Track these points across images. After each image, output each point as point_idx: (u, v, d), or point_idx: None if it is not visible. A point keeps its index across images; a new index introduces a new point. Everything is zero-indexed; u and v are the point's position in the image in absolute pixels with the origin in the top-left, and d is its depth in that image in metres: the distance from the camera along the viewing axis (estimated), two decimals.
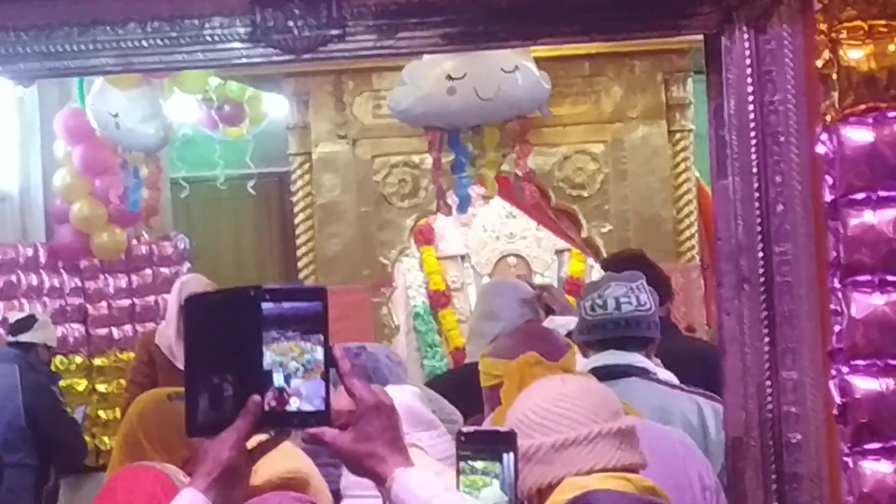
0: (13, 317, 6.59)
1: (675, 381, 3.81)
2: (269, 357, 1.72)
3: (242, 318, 1.72)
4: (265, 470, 2.08)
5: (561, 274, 7.78)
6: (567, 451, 2.33)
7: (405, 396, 2.72)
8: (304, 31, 2.67)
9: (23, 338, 6.32)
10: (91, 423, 7.85)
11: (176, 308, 5.98)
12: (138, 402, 2.98)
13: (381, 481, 1.77)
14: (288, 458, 2.13)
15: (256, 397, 1.72)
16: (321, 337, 1.73)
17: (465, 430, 2.14)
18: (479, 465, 2.07)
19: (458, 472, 2.07)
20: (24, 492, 6.10)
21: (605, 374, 3.46)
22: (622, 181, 6.75)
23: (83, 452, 6.53)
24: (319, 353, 1.73)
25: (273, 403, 1.72)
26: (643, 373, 3.62)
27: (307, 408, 1.73)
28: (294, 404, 1.72)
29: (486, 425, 3.02)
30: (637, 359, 3.66)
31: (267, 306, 1.72)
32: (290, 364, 1.72)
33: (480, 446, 2.08)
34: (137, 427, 2.82)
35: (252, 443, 1.75)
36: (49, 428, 6.13)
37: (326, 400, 1.73)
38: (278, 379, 1.72)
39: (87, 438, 7.34)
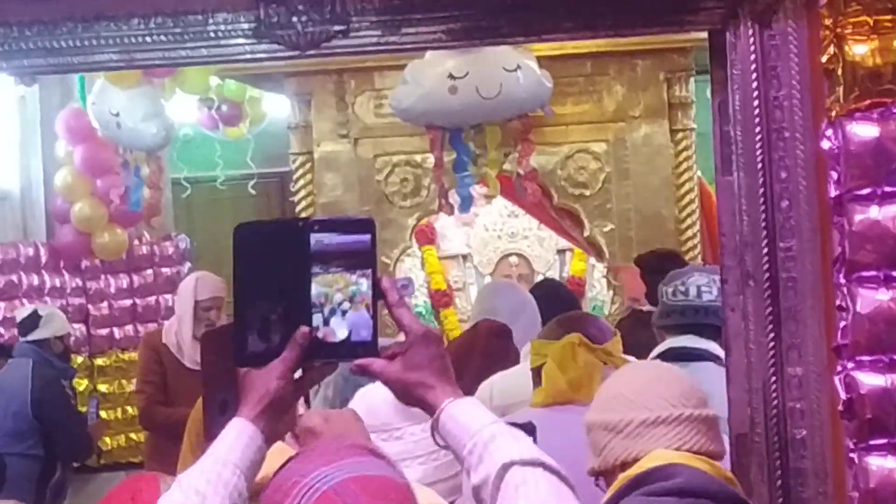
0: (19, 315, 6.60)
1: None
2: (315, 288, 1.71)
3: (290, 249, 1.72)
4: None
5: (563, 273, 7.77)
6: (656, 429, 2.41)
7: (379, 396, 2.72)
8: (308, 26, 2.67)
9: (31, 336, 6.35)
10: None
11: (191, 304, 5.95)
12: None
13: (430, 410, 1.76)
14: (273, 454, 2.10)
15: (304, 328, 1.71)
16: (368, 269, 1.72)
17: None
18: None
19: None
20: (28, 482, 6.13)
21: (682, 355, 3.59)
22: (624, 180, 6.75)
23: (87, 447, 6.53)
24: (365, 284, 1.72)
25: (320, 334, 1.72)
26: (718, 359, 3.64)
27: (355, 339, 1.72)
28: (341, 335, 1.72)
29: (527, 408, 3.13)
30: (714, 346, 3.73)
31: (315, 237, 1.71)
32: (337, 295, 1.71)
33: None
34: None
35: (298, 373, 1.75)
36: (54, 421, 6.16)
37: (374, 331, 1.72)
38: (326, 310, 1.71)
39: None
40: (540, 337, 3.42)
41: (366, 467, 1.69)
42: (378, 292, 1.74)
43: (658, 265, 5.12)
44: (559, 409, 3.12)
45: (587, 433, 2.50)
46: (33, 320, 6.39)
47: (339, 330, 1.72)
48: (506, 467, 1.68)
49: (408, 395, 1.77)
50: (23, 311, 6.62)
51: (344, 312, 1.72)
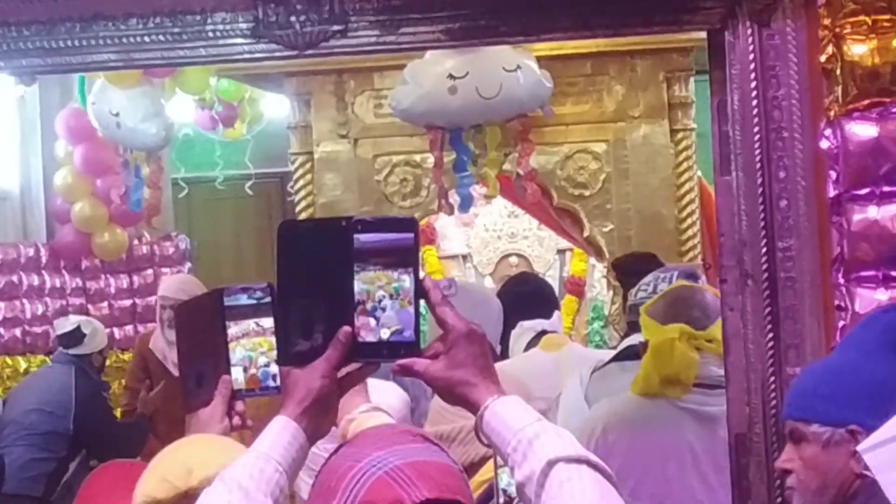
0: (60, 326, 6.58)
1: None
2: (358, 286, 1.71)
3: (334, 247, 1.72)
4: (201, 470, 2.05)
5: (563, 273, 7.76)
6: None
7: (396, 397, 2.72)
8: (307, 26, 2.67)
9: (74, 351, 6.36)
10: None
11: (168, 310, 5.99)
12: None
13: (473, 409, 1.75)
14: (224, 452, 2.10)
15: (347, 328, 1.71)
16: (411, 267, 1.72)
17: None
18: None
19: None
20: (41, 476, 6.17)
21: (636, 353, 3.55)
22: (624, 180, 6.74)
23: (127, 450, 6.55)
24: (408, 282, 1.71)
25: (363, 334, 1.72)
26: None
27: (397, 338, 1.71)
28: (384, 335, 1.72)
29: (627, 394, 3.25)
30: None
31: (358, 237, 1.71)
32: (378, 293, 1.71)
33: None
34: None
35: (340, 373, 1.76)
36: (98, 433, 6.17)
37: (416, 330, 1.72)
38: (369, 308, 1.71)
39: None
40: (648, 312, 3.41)
41: (420, 453, 1.69)
42: (420, 291, 1.73)
43: (634, 268, 5.11)
44: (649, 401, 3.23)
45: None
46: (77, 336, 6.39)
47: (381, 329, 1.72)
48: (551, 464, 1.67)
49: (451, 393, 1.76)
50: (65, 323, 6.58)
51: (385, 310, 1.72)
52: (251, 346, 1.82)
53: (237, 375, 2.09)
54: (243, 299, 2.10)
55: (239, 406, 2.17)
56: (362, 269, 1.71)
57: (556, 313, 4.93)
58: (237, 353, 2.06)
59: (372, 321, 1.71)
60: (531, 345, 4.57)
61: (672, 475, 3.17)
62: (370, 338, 1.72)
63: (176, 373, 5.96)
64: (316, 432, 1.76)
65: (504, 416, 1.73)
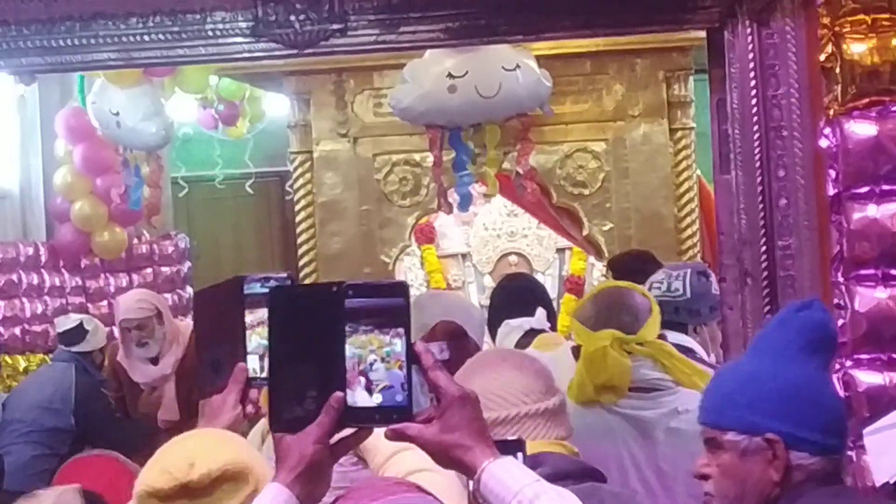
0: (61, 324, 6.58)
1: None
2: (350, 350, 1.71)
3: (325, 313, 1.72)
4: (202, 463, 2.07)
5: (562, 272, 7.76)
6: (496, 428, 2.46)
7: None
8: (306, 25, 2.67)
9: (77, 349, 6.37)
10: None
11: (118, 324, 6.11)
12: None
13: (470, 472, 1.76)
14: (222, 446, 2.12)
15: (339, 393, 1.71)
16: (402, 330, 1.72)
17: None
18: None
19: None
20: (45, 473, 6.18)
21: None
22: (623, 179, 6.74)
23: (133, 447, 6.56)
24: (399, 346, 1.71)
25: (355, 399, 1.72)
26: (688, 352, 3.64)
27: (389, 403, 1.71)
28: (376, 400, 1.71)
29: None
30: (681, 338, 3.71)
31: (350, 302, 1.72)
32: (370, 357, 1.71)
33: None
34: None
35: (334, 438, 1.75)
36: (96, 427, 6.19)
37: (408, 394, 1.72)
38: (360, 373, 1.71)
39: None
40: (577, 316, 3.41)
41: (414, 502, 1.71)
42: (412, 355, 1.73)
43: (630, 267, 5.11)
44: (585, 409, 3.21)
45: None
46: (79, 333, 6.40)
47: (373, 395, 1.72)
48: None
49: (446, 456, 1.77)
50: (66, 321, 6.59)
51: (377, 375, 1.72)
52: (267, 334, 1.82)
53: (252, 364, 2.08)
54: (262, 288, 2.09)
55: (252, 394, 2.18)
56: (353, 332, 1.71)
57: (539, 310, 4.90)
58: (253, 341, 2.05)
59: (363, 386, 1.71)
60: (521, 344, 4.54)
61: (613, 482, 3.16)
62: (362, 403, 1.71)
63: (137, 381, 6.07)
64: (308, 499, 1.75)
65: (502, 478, 1.73)
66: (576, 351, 3.39)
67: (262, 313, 2.03)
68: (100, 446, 6.15)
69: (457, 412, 1.76)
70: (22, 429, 6.10)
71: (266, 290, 2.01)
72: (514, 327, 4.65)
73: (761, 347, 2.35)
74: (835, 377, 2.58)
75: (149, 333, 6.06)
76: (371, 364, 1.71)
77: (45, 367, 6.79)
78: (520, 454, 2.05)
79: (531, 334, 4.58)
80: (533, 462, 2.35)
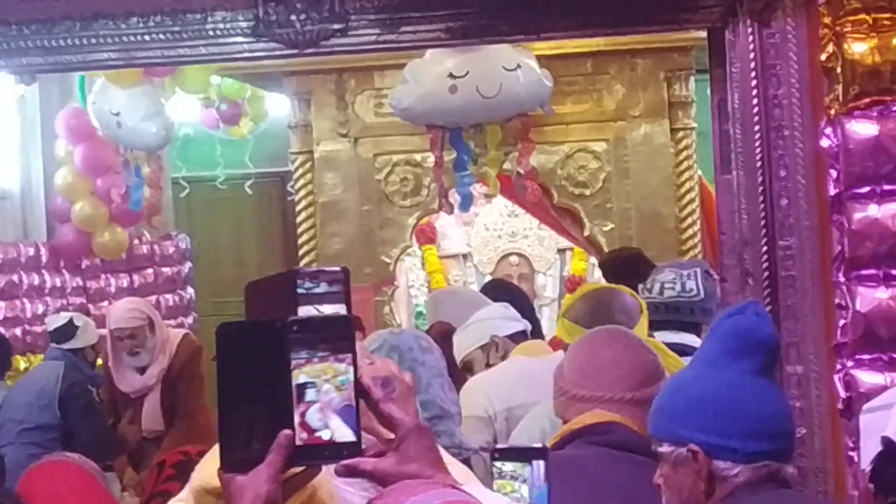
0: (52, 322, 6.58)
1: None
2: (302, 379, 1.69)
3: (271, 349, 1.70)
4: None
5: (563, 273, 7.75)
6: (591, 404, 2.61)
7: None
8: (307, 25, 2.67)
9: (67, 346, 6.37)
10: None
11: (108, 333, 6.16)
12: None
13: None
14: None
15: (287, 431, 1.68)
16: (350, 364, 1.70)
17: (499, 447, 2.16)
18: (507, 467, 2.09)
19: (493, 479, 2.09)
20: None
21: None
22: (624, 179, 6.74)
23: (108, 449, 6.55)
24: (347, 380, 1.68)
25: (303, 436, 1.70)
26: (681, 354, 3.65)
27: (339, 439, 1.67)
28: (325, 436, 1.70)
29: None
30: (691, 339, 3.74)
31: (295, 336, 1.70)
32: (324, 386, 1.70)
33: (512, 454, 2.11)
34: None
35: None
36: (75, 421, 6.20)
37: (357, 429, 1.67)
38: (308, 410, 1.69)
39: None
40: (568, 315, 3.43)
41: (456, 495, 1.69)
42: (359, 388, 1.69)
43: (622, 268, 5.10)
44: None
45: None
46: (70, 330, 6.40)
47: (322, 431, 1.67)
48: None
49: None
50: (57, 319, 6.59)
51: (325, 411, 1.70)
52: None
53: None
54: (314, 286, 1.88)
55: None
56: (300, 366, 1.68)
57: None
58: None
59: (313, 422, 1.69)
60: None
61: None
62: (311, 440, 1.67)
63: (123, 390, 6.09)
64: None
65: None
66: (567, 348, 3.38)
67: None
68: (78, 442, 6.17)
69: (414, 443, 1.73)
70: (16, 428, 6.12)
71: (319, 290, 1.88)
72: (482, 319, 4.63)
73: (696, 356, 2.37)
74: (836, 378, 2.58)
75: (140, 342, 6.07)
76: (319, 398, 1.67)
77: (37, 366, 6.79)
78: (542, 462, 2.07)
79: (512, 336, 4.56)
80: (604, 429, 2.57)
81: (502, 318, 4.59)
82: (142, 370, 6.13)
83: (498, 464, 2.10)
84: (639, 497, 2.36)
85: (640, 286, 3.95)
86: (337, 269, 1.91)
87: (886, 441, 2.06)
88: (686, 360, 3.60)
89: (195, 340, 6.47)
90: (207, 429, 4.09)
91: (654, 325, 3.86)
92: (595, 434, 2.58)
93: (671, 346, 3.77)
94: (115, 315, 6.35)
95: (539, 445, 2.17)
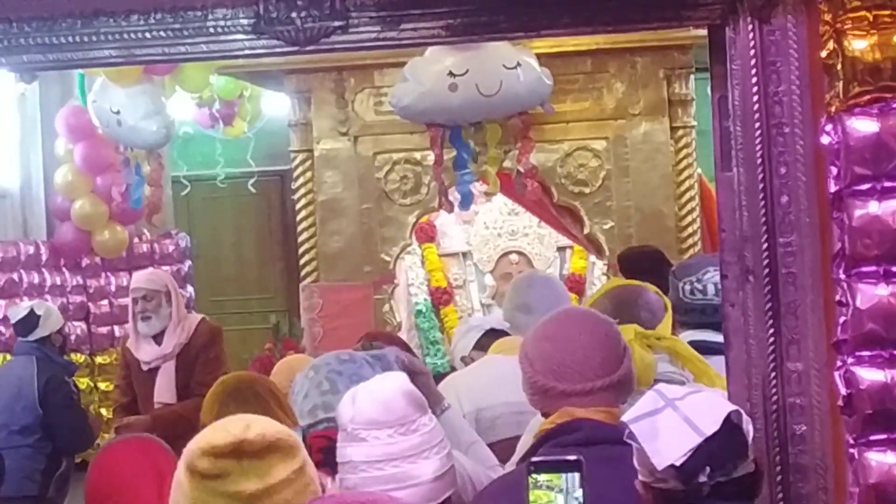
0: (13, 315, 6.55)
1: None
2: None
3: None
4: (258, 427, 2.10)
5: (563, 271, 7.76)
6: (571, 399, 2.70)
7: (401, 383, 2.68)
8: (308, 22, 2.67)
9: (33, 336, 6.34)
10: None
11: (141, 301, 6.15)
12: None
13: None
14: (276, 423, 2.17)
15: None
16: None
17: (535, 459, 2.26)
18: (543, 478, 2.19)
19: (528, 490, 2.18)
20: (35, 473, 6.19)
21: (700, 349, 3.62)
22: (624, 178, 6.74)
23: (87, 441, 6.55)
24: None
25: None
26: None
27: None
28: None
29: None
30: None
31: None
32: None
33: (546, 466, 2.22)
34: None
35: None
36: (58, 414, 6.20)
37: None
38: None
39: None
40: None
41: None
42: None
43: (641, 265, 5.10)
44: None
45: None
46: (32, 320, 6.37)
47: None
48: None
49: None
50: (18, 311, 6.55)
51: None
52: None
53: None
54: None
55: None
56: None
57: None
58: None
59: None
60: (481, 344, 4.51)
61: None
62: None
63: (145, 367, 6.10)
64: None
65: None
66: None
67: None
68: (63, 434, 6.16)
69: None
70: (2, 432, 6.09)
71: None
72: (473, 326, 4.64)
73: None
74: (836, 374, 2.58)
75: (154, 307, 6.08)
76: None
77: (7, 365, 6.68)
78: (577, 474, 2.11)
79: (491, 334, 4.55)
80: (571, 427, 2.62)
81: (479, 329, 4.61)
82: (158, 341, 6.13)
83: (534, 475, 2.19)
84: (612, 491, 2.41)
85: (681, 285, 3.93)
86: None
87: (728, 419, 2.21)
88: (717, 360, 3.64)
89: (214, 323, 6.49)
90: None
91: (708, 326, 3.85)
92: (563, 434, 2.65)
93: (722, 346, 3.79)
94: (135, 277, 6.47)
95: (573, 458, 2.21)
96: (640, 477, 2.33)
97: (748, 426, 2.29)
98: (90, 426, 6.49)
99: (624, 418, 2.32)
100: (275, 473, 2.11)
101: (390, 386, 2.65)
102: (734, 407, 2.27)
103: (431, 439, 2.61)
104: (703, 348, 3.76)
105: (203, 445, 2.12)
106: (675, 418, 2.26)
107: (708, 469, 2.23)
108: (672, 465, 2.24)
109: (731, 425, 2.26)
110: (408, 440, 2.56)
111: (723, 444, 2.25)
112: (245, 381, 3.88)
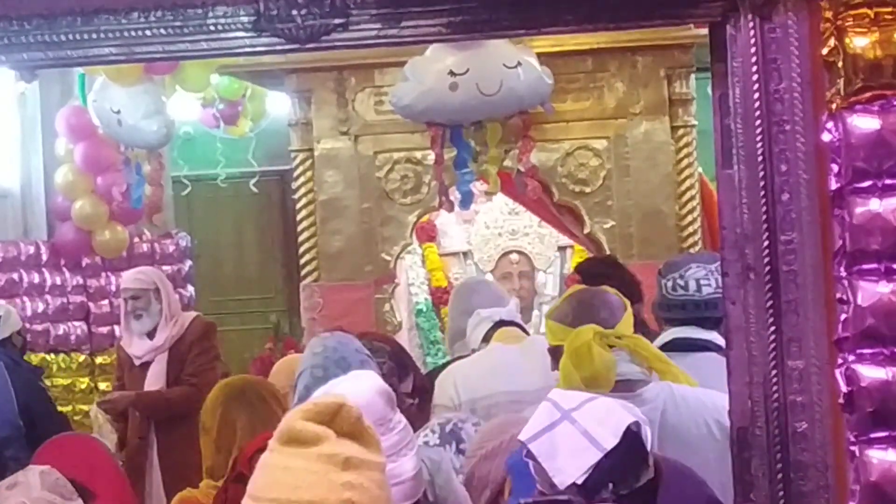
0: None
1: None
2: None
3: None
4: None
5: (563, 270, 7.76)
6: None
7: (376, 382, 2.64)
8: (308, 19, 2.67)
9: None
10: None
11: (131, 301, 6.21)
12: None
13: None
14: None
15: None
16: None
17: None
18: None
19: None
20: None
21: (684, 346, 3.61)
22: (625, 177, 6.74)
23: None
24: None
25: None
26: (720, 349, 3.67)
27: None
28: None
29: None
30: (715, 336, 3.80)
31: None
32: None
33: None
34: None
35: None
36: (41, 423, 6.05)
37: None
38: None
39: None
40: (553, 317, 3.44)
41: None
42: None
43: (597, 270, 5.13)
44: None
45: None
46: None
47: None
48: None
49: None
50: None
51: None
52: None
53: None
54: None
55: None
56: None
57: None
58: None
59: None
60: (491, 335, 4.55)
61: None
62: None
63: (138, 362, 6.10)
64: None
65: None
66: (553, 352, 3.42)
67: None
68: (45, 437, 6.03)
69: None
70: None
71: None
72: (484, 318, 4.66)
73: None
74: (837, 372, 2.58)
75: (144, 305, 6.14)
76: None
77: None
78: None
79: (501, 325, 4.58)
80: None
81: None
82: (150, 336, 6.15)
83: None
84: None
85: (664, 282, 3.95)
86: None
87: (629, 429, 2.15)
88: (714, 357, 3.64)
89: (208, 320, 6.49)
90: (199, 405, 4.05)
91: (692, 322, 3.89)
92: None
93: (707, 343, 3.80)
94: (124, 276, 6.52)
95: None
96: (539, 487, 2.25)
97: (647, 433, 2.21)
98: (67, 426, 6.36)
99: (521, 436, 2.22)
100: (368, 452, 2.06)
101: (366, 387, 2.58)
102: (633, 417, 2.18)
103: (406, 436, 2.57)
104: (688, 345, 3.79)
105: (300, 410, 2.08)
106: (572, 432, 2.18)
107: (611, 486, 2.16)
108: (574, 483, 2.17)
109: (630, 436, 2.18)
110: (388, 440, 2.52)
111: (623, 457, 2.17)
112: (248, 384, 3.89)
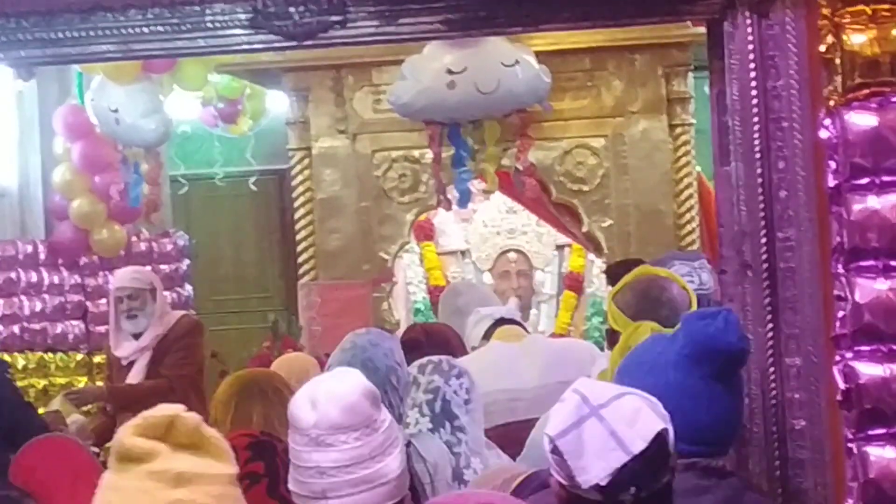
0: None
1: None
2: None
3: None
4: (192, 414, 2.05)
5: (562, 269, 7.74)
6: None
7: (361, 382, 2.60)
8: (305, 17, 2.67)
9: None
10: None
11: (112, 296, 6.23)
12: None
13: None
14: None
15: None
16: None
17: None
18: None
19: None
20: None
21: None
22: (623, 175, 6.74)
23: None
24: None
25: None
26: None
27: None
28: None
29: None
30: None
31: None
32: None
33: None
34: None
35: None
36: (12, 419, 5.98)
37: None
38: None
39: None
40: (615, 301, 3.37)
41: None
42: None
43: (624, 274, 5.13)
44: None
45: None
46: None
47: None
48: None
49: None
50: None
51: None
52: None
53: None
54: None
55: None
56: None
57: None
58: None
59: None
60: (491, 333, 4.54)
61: None
62: None
63: (124, 363, 6.09)
64: None
65: None
66: (610, 334, 3.36)
67: None
68: (20, 434, 5.96)
69: None
70: None
71: None
72: (484, 316, 4.65)
73: (660, 350, 2.49)
74: (835, 369, 2.58)
75: (140, 305, 6.09)
76: None
77: None
78: None
79: (501, 324, 4.57)
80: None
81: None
82: (137, 337, 6.13)
83: None
84: None
85: None
86: None
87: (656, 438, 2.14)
88: None
89: (195, 318, 6.47)
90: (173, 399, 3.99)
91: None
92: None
93: None
94: (118, 276, 6.42)
95: None
96: (557, 479, 2.21)
97: (672, 438, 2.20)
98: (46, 422, 6.32)
99: (548, 431, 2.17)
100: (207, 464, 1.98)
101: (351, 387, 2.53)
102: (662, 423, 2.14)
103: (391, 434, 2.53)
104: None
105: (131, 426, 2.00)
106: (600, 431, 2.15)
107: (633, 489, 2.13)
108: (597, 483, 2.14)
109: (659, 442, 2.15)
110: (374, 440, 2.48)
111: (649, 462, 2.14)
112: (261, 375, 3.87)
